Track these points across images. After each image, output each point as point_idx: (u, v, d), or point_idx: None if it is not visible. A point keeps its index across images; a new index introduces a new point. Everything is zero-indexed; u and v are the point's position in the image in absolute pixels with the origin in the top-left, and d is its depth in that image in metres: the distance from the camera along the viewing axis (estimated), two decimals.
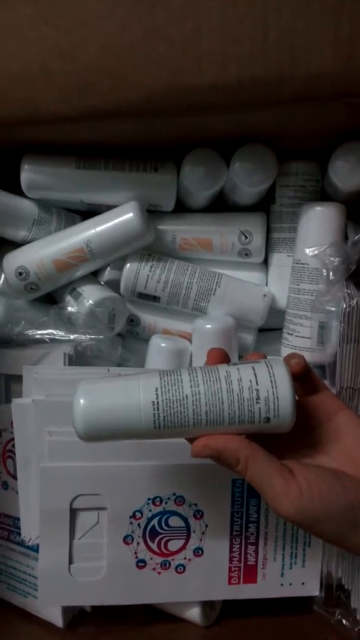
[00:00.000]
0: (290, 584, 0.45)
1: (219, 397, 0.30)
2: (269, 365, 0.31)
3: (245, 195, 0.50)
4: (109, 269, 0.55)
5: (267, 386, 0.30)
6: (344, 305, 0.40)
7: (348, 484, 0.30)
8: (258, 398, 0.30)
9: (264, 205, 0.53)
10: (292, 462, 0.31)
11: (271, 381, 0.31)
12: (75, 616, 0.47)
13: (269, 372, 0.31)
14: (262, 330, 0.54)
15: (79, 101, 0.39)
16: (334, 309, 0.41)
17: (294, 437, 0.33)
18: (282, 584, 0.45)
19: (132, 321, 0.55)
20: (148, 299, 0.52)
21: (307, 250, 0.44)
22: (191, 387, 0.31)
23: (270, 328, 0.54)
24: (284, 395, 0.30)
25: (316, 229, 0.46)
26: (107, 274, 0.55)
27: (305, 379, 0.34)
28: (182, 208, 0.54)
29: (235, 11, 0.36)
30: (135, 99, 0.38)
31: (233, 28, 0.36)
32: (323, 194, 0.51)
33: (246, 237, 0.51)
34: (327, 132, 0.45)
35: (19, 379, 0.46)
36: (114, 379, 0.33)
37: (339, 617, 0.45)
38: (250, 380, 0.31)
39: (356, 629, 0.44)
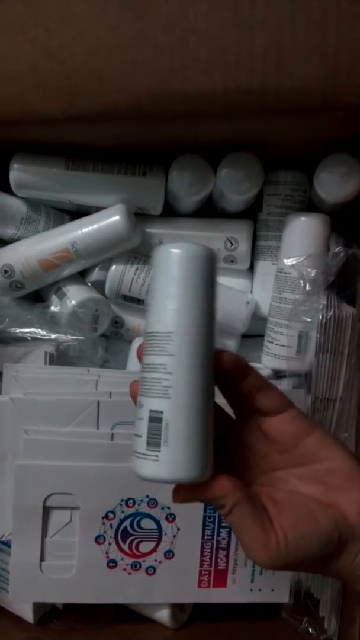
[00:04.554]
0: (260, 590, 0.45)
1: None
2: None
3: (232, 202, 0.50)
4: (97, 269, 0.55)
5: None
6: (320, 316, 0.40)
7: (321, 519, 0.29)
8: None
9: (252, 213, 0.53)
10: (266, 492, 0.30)
11: None
12: (47, 612, 0.48)
13: None
14: (245, 336, 0.54)
15: (67, 103, 0.39)
16: (309, 319, 0.42)
17: (267, 459, 0.31)
18: (251, 590, 0.45)
19: (117, 323, 0.55)
20: (132, 301, 0.53)
21: (286, 260, 0.44)
22: None
23: (254, 335, 0.54)
24: None
25: (300, 238, 0.46)
26: (95, 275, 0.56)
27: (268, 392, 0.30)
28: (171, 212, 0.54)
29: (222, 20, 0.36)
30: (122, 103, 0.38)
31: (220, 37, 0.36)
32: (310, 204, 0.51)
33: (232, 244, 0.51)
34: (313, 142, 0.45)
35: None
36: None
37: (306, 625, 0.45)
38: None
39: (322, 638, 0.44)
